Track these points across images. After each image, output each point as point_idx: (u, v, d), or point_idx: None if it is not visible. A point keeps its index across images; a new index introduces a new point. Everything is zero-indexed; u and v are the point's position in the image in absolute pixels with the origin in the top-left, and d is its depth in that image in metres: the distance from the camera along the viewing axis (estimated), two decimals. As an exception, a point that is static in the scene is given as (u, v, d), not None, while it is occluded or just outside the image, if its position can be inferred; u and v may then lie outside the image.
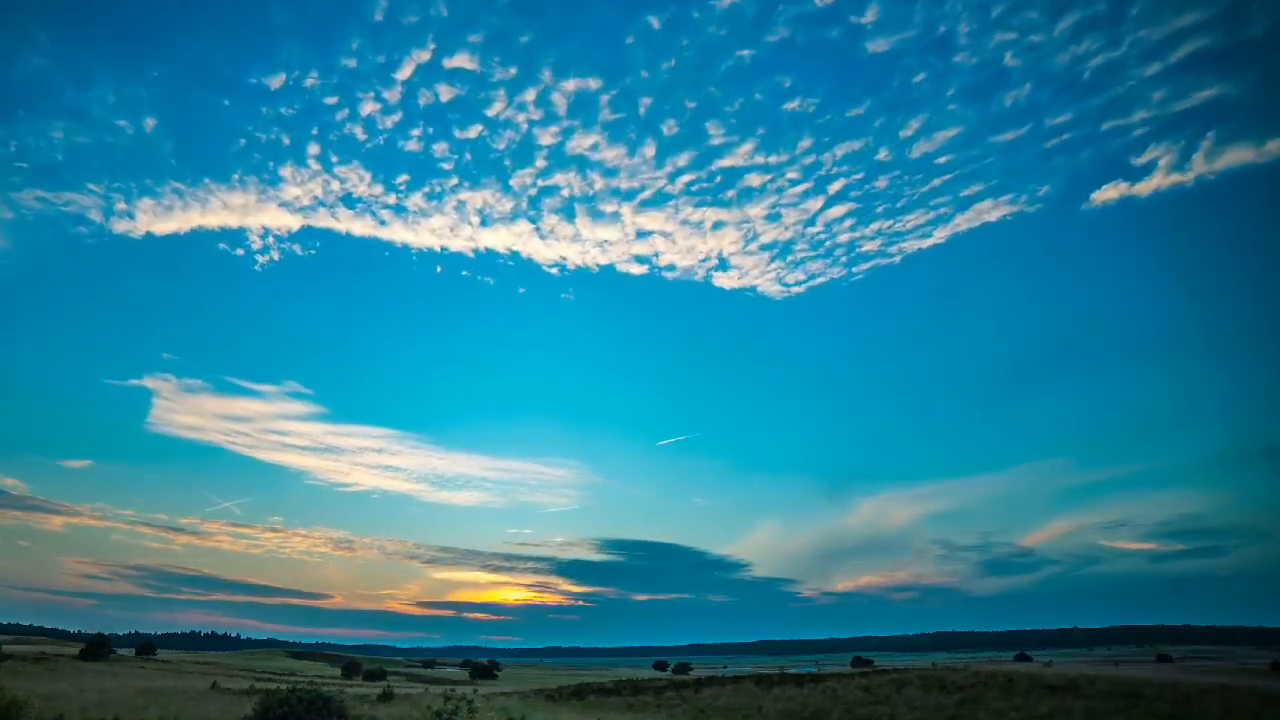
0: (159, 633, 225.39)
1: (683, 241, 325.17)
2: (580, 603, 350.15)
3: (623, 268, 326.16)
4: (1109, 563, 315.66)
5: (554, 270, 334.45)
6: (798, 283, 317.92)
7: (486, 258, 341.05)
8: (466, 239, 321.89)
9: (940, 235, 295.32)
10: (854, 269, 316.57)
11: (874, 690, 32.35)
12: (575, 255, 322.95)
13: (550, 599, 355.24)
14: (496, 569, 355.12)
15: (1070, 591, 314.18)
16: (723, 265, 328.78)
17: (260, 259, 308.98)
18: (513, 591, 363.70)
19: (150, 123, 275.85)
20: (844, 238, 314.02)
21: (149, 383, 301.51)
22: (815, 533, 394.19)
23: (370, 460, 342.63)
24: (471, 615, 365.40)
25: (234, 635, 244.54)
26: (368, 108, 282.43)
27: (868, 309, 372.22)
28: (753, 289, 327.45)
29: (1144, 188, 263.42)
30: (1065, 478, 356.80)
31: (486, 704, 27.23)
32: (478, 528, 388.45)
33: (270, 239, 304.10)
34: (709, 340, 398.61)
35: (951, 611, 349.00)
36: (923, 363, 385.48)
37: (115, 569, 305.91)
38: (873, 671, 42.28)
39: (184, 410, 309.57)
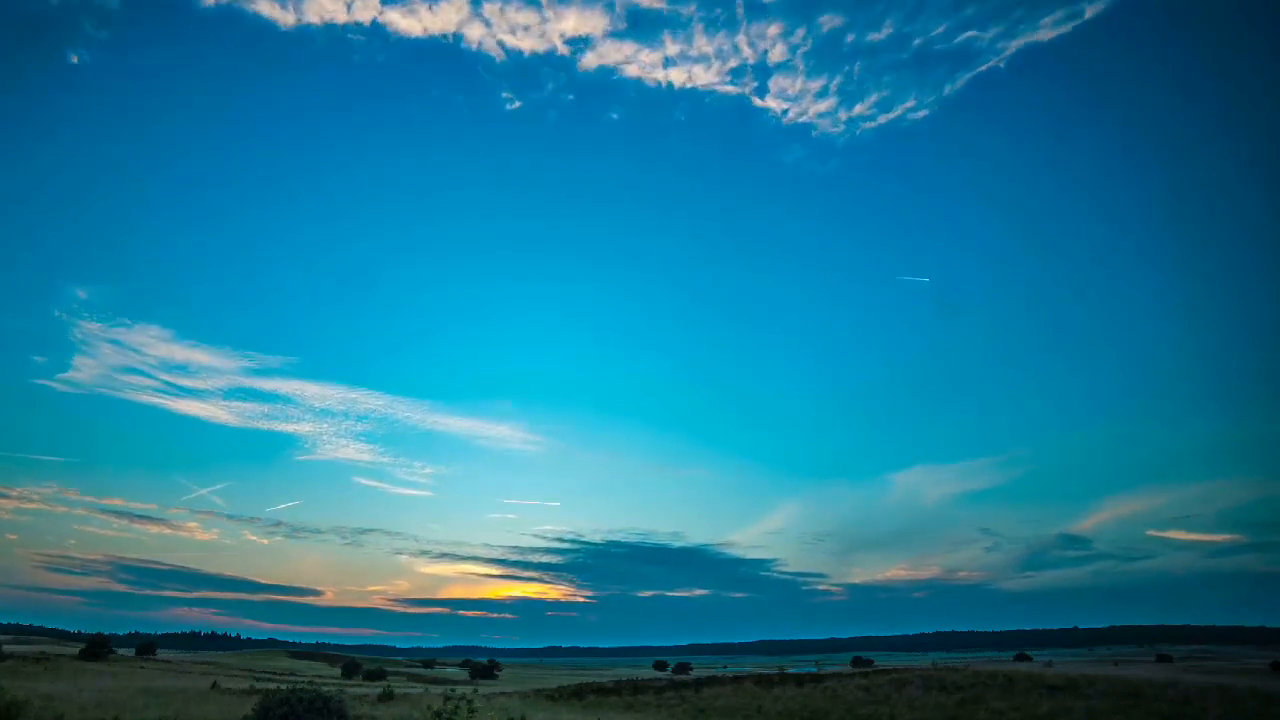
0: (159, 631, 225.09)
1: (703, 38, 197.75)
2: (580, 599, 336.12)
3: (621, 71, 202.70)
4: (1163, 557, 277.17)
5: (508, 98, 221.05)
6: (865, 116, 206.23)
7: (405, 53, 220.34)
8: (367, 19, 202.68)
9: (1094, 8, 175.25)
10: (946, 88, 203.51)
11: (874, 690, 32.35)
12: (538, 48, 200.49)
13: (549, 593, 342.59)
14: (488, 562, 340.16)
15: (1116, 587, 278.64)
16: (762, 82, 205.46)
17: (75, 57, 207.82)
18: (507, 588, 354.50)
19: None
20: (940, 28, 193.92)
21: (61, 316, 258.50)
22: (842, 516, 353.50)
23: (334, 429, 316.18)
24: (466, 613, 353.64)
25: (234, 635, 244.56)
26: None
27: (950, 158, 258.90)
28: (807, 127, 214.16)
29: None
30: (1137, 448, 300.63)
31: (487, 704, 27.27)
32: (461, 512, 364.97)
33: (84, 21, 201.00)
34: (741, 202, 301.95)
35: (976, 610, 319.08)
36: (1003, 264, 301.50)
37: (81, 561, 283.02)
38: (873, 671, 42.29)
39: (108, 355, 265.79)
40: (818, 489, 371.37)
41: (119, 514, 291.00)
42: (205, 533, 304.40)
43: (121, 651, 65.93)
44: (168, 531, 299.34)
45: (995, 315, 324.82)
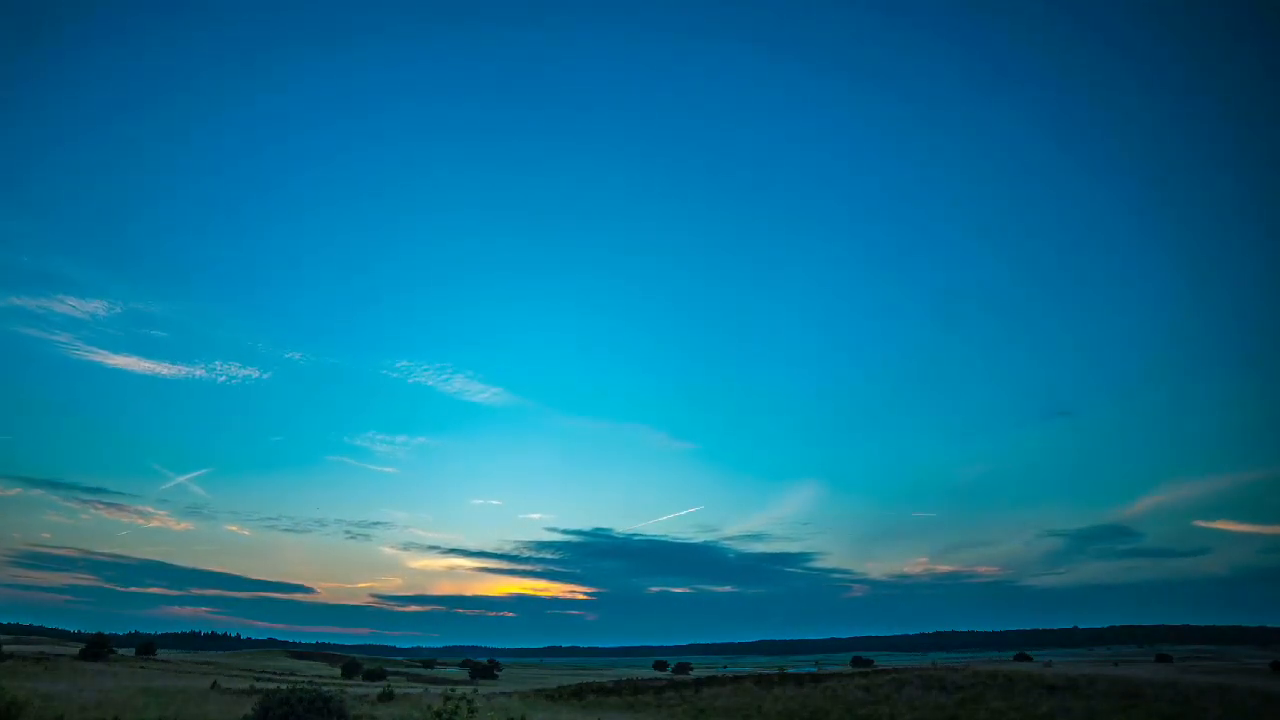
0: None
1: None
2: (580, 596, 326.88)
3: None
4: (1211, 554, 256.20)
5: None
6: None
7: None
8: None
9: None
10: None
11: (874, 690, 32.35)
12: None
13: (548, 590, 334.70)
14: (479, 555, 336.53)
15: (1155, 583, 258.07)
16: None
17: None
18: (505, 585, 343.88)
19: None
20: None
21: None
22: (865, 503, 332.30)
23: (298, 395, 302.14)
24: (464, 610, 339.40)
25: (233, 635, 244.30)
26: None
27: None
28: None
29: None
30: (1187, 430, 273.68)
31: (487, 704, 27.25)
32: (443, 496, 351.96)
33: None
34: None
35: (991, 608, 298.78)
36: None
37: (56, 557, 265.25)
38: (872, 671, 42.28)
39: (14, 301, 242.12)
40: (836, 476, 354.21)
41: (89, 504, 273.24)
42: (183, 523, 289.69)
43: (121, 651, 65.96)
44: (139, 521, 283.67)
45: (1028, 281, 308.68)
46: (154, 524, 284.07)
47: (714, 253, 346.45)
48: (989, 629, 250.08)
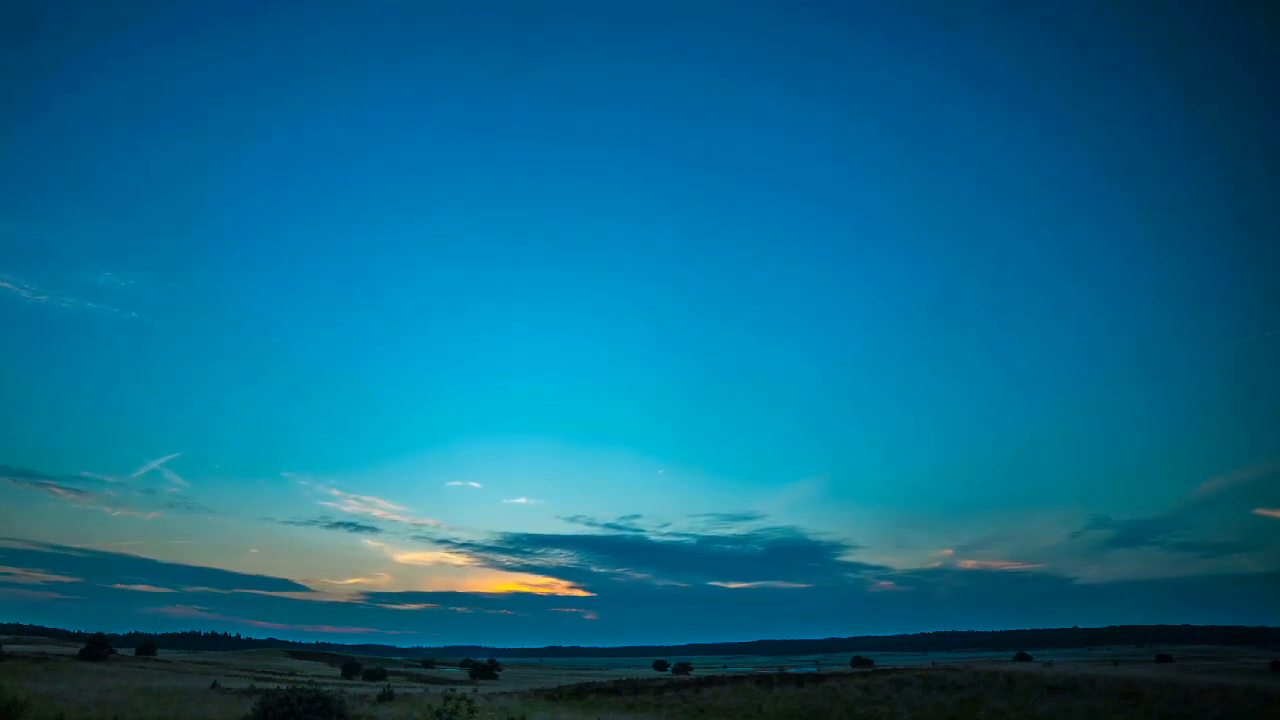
0: (158, 631, 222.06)
1: None
2: (579, 592, 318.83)
3: None
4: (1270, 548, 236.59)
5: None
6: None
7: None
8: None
9: None
10: None
11: (874, 690, 32.36)
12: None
13: (545, 585, 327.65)
14: (475, 550, 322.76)
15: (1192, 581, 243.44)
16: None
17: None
18: (505, 583, 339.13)
19: None
20: None
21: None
22: (886, 490, 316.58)
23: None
24: (460, 609, 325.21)
25: (234, 635, 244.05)
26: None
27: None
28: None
29: None
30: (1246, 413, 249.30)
31: (487, 704, 27.28)
32: (425, 477, 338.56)
33: None
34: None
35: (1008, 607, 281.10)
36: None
37: (24, 554, 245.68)
38: (873, 671, 42.29)
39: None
40: (850, 469, 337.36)
41: (43, 485, 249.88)
42: (165, 515, 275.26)
43: (121, 651, 65.97)
44: (107, 510, 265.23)
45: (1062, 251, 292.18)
46: (120, 513, 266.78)
47: (716, 254, 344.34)
48: (997, 629, 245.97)
